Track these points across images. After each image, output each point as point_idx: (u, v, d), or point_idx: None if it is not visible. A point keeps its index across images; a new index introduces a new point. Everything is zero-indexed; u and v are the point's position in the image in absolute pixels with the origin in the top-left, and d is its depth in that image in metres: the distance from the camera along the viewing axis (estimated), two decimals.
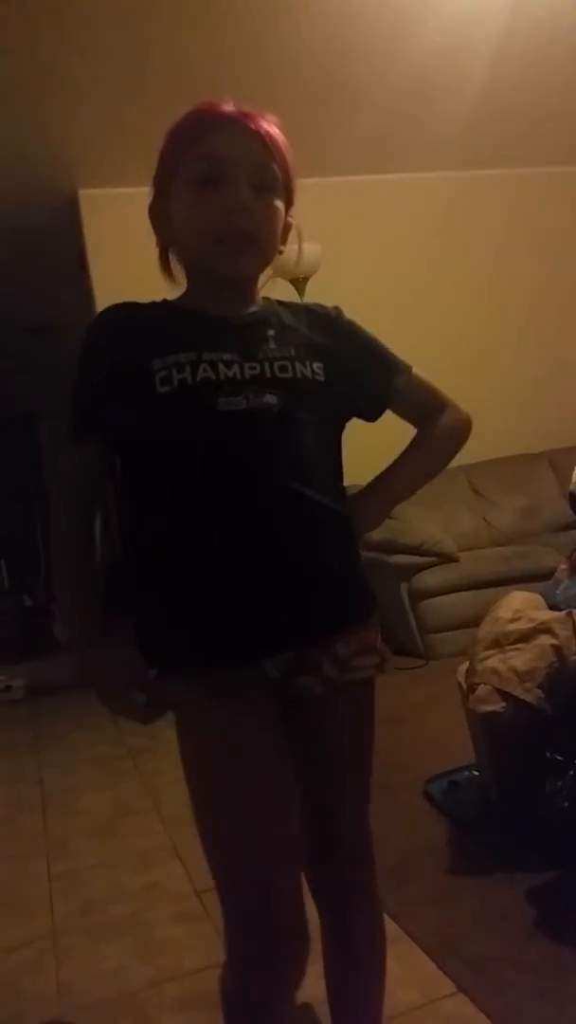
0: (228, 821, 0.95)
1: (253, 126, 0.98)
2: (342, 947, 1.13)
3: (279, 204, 1.01)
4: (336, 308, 1.12)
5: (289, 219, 1.05)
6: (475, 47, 3.43)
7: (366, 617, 1.06)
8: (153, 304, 1.05)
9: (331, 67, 3.40)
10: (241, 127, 0.98)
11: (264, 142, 0.98)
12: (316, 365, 1.03)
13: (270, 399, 0.97)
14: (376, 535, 3.91)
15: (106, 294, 3.97)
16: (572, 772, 1.80)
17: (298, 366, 1.01)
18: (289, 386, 0.99)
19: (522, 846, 1.81)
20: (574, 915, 1.58)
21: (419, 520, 4.06)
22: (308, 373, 1.02)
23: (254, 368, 0.98)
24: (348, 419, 1.11)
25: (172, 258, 1.07)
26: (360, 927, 1.12)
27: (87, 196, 4.04)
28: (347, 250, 4.16)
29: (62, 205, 4.07)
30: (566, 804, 1.78)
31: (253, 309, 1.05)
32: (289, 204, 1.04)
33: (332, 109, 3.73)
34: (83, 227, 4.09)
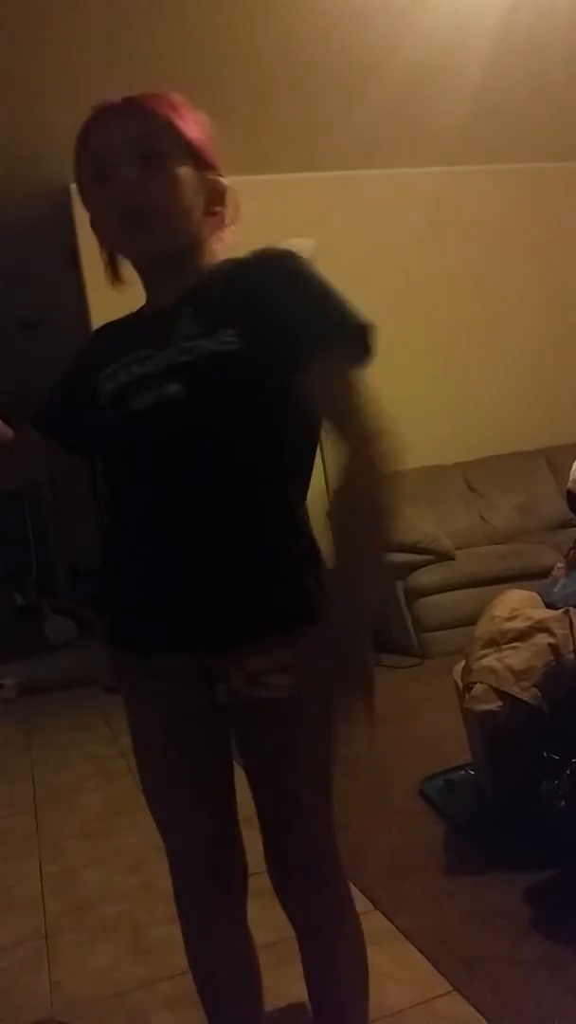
0: (144, 778, 1.08)
1: (129, 105, 0.97)
2: (308, 954, 1.10)
3: (179, 168, 0.96)
4: (286, 252, 0.96)
5: (214, 179, 1.01)
6: (470, 43, 3.42)
7: (278, 633, 0.95)
8: (127, 315, 1.09)
9: (325, 63, 3.39)
10: (116, 111, 0.97)
11: (141, 114, 0.96)
12: (229, 332, 0.92)
13: (174, 388, 0.94)
14: None
15: (98, 289, 3.90)
16: (568, 771, 1.79)
17: (203, 342, 0.93)
18: (193, 369, 0.93)
19: (518, 845, 1.80)
20: (569, 914, 1.58)
21: (415, 518, 4.05)
22: (215, 346, 0.92)
23: (164, 358, 0.96)
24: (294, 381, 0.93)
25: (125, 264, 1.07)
26: (321, 939, 1.08)
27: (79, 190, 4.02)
28: (340, 245, 4.14)
29: (54, 200, 4.04)
30: (562, 803, 1.77)
31: (193, 286, 0.99)
32: (205, 166, 0.99)
33: (327, 104, 3.72)
34: (75, 222, 4.06)
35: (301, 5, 2.99)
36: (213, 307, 0.96)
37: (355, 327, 0.91)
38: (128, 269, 1.06)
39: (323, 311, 0.91)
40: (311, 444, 1.02)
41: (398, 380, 4.37)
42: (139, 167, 0.95)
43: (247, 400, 0.94)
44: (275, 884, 1.07)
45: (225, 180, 1.02)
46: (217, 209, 1.02)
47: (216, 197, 1.02)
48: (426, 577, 3.78)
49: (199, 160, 0.99)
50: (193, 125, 0.98)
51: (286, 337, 0.91)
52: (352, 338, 0.92)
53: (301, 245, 3.69)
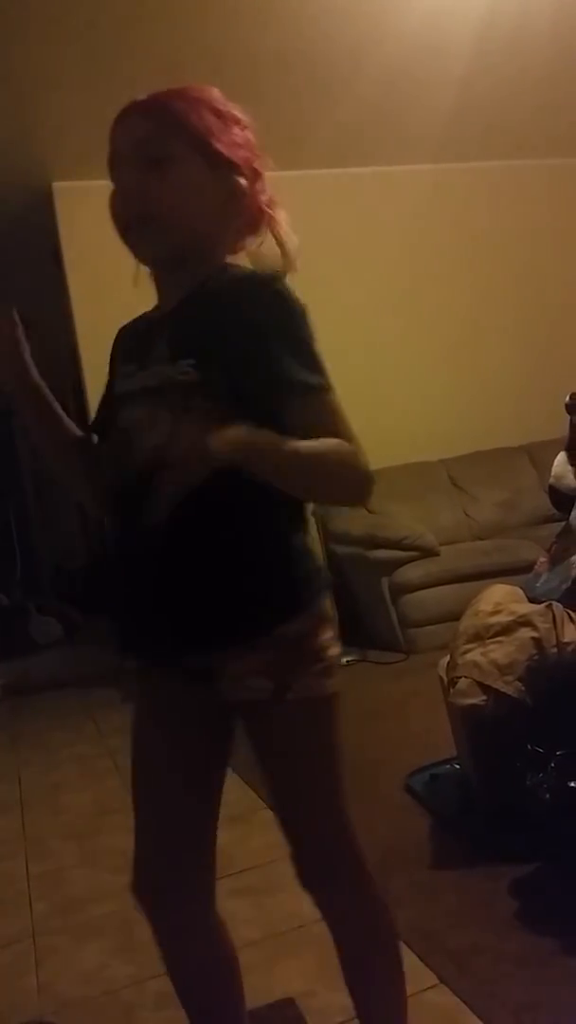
0: (133, 762, 1.10)
1: (146, 104, 0.96)
2: (338, 946, 1.10)
3: (185, 172, 0.95)
4: (267, 276, 0.94)
5: (232, 179, 0.97)
6: (454, 40, 3.43)
7: (255, 635, 0.96)
8: (142, 314, 1.08)
9: (311, 60, 3.39)
10: (134, 110, 0.96)
11: (153, 113, 0.95)
12: (187, 362, 0.92)
13: (140, 412, 0.96)
14: (358, 530, 3.94)
15: (81, 288, 3.93)
16: (552, 764, 1.81)
17: (168, 370, 0.93)
18: (155, 395, 0.95)
19: (503, 838, 1.81)
20: (555, 906, 1.59)
21: (400, 514, 4.07)
22: (175, 374, 0.92)
23: (140, 379, 0.98)
24: (263, 416, 0.88)
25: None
26: (343, 933, 1.09)
27: (61, 189, 4.00)
28: (326, 244, 4.15)
29: (37, 198, 4.02)
30: (547, 796, 1.78)
31: (183, 298, 0.99)
32: (221, 165, 0.96)
33: (312, 102, 3.72)
34: (58, 220, 4.04)
35: (287, 5, 2.99)
36: (184, 331, 0.96)
37: (302, 387, 0.88)
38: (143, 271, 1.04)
39: (275, 366, 0.88)
40: None
41: (382, 377, 4.40)
42: (143, 171, 0.94)
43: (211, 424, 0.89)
44: (299, 880, 1.07)
45: (244, 181, 0.98)
46: (236, 209, 0.99)
47: (237, 202, 0.99)
48: (411, 573, 3.80)
49: (213, 160, 0.96)
50: (212, 122, 0.96)
51: (237, 380, 0.90)
52: (297, 398, 0.89)
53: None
